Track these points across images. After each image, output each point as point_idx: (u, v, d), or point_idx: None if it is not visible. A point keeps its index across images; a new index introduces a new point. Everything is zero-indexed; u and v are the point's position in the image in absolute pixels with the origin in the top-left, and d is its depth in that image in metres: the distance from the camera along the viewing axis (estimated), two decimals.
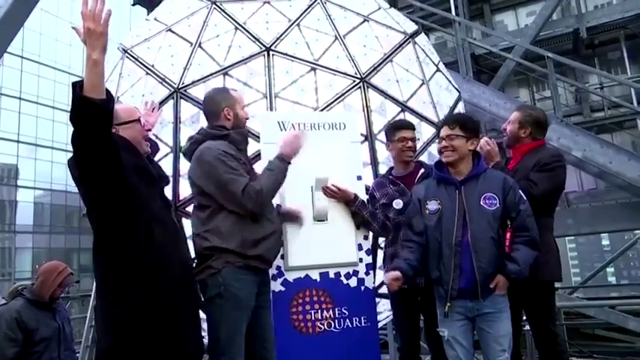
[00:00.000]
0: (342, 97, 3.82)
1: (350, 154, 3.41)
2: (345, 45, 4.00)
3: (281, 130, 3.28)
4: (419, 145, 3.74)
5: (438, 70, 4.57)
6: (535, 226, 2.84)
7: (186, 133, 3.63)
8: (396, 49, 4.20)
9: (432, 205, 2.88)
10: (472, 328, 2.86)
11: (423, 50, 4.46)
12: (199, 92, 3.74)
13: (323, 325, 3.14)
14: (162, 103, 3.82)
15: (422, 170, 3.41)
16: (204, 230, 2.68)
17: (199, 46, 3.94)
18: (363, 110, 3.84)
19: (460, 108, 4.66)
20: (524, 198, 2.86)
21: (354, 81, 3.88)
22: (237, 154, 2.75)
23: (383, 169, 3.76)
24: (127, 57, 4.20)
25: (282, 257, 3.14)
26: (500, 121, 7.32)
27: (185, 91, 3.77)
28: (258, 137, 3.41)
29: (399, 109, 4.00)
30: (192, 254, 2.74)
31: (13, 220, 30.51)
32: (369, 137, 3.81)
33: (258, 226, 2.70)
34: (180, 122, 3.73)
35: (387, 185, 3.44)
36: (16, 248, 30.40)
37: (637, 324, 8.15)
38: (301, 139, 2.91)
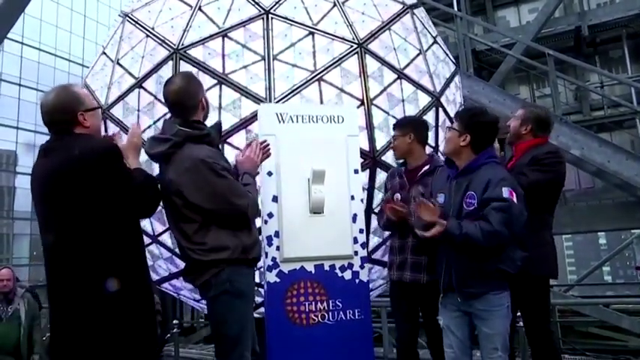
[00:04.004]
0: (340, 62, 3.85)
1: (347, 148, 3.38)
2: (343, 11, 4.03)
3: (279, 122, 3.28)
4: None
5: (436, 42, 4.58)
6: (500, 222, 2.57)
7: None
8: (394, 18, 4.23)
9: (440, 198, 2.84)
10: (470, 322, 2.83)
11: (421, 22, 4.48)
12: (199, 53, 3.80)
13: (317, 316, 3.15)
14: (161, 63, 3.86)
15: (426, 167, 3.33)
16: (197, 247, 2.56)
17: (199, 9, 3.97)
18: (360, 75, 3.87)
19: (456, 81, 4.70)
20: (506, 197, 2.62)
21: (352, 46, 3.90)
22: (223, 161, 2.69)
23: (378, 134, 3.82)
24: (128, 20, 4.24)
25: (278, 249, 3.15)
26: (500, 117, 7.35)
27: (185, 52, 3.79)
28: (259, 99, 3.51)
29: (396, 75, 4.03)
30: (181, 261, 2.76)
31: (11, 206, 30.45)
32: (366, 102, 3.83)
33: (250, 232, 2.68)
34: None
35: (396, 176, 3.45)
36: (14, 234, 30.37)
37: (631, 322, 8.19)
38: (257, 156, 2.82)
